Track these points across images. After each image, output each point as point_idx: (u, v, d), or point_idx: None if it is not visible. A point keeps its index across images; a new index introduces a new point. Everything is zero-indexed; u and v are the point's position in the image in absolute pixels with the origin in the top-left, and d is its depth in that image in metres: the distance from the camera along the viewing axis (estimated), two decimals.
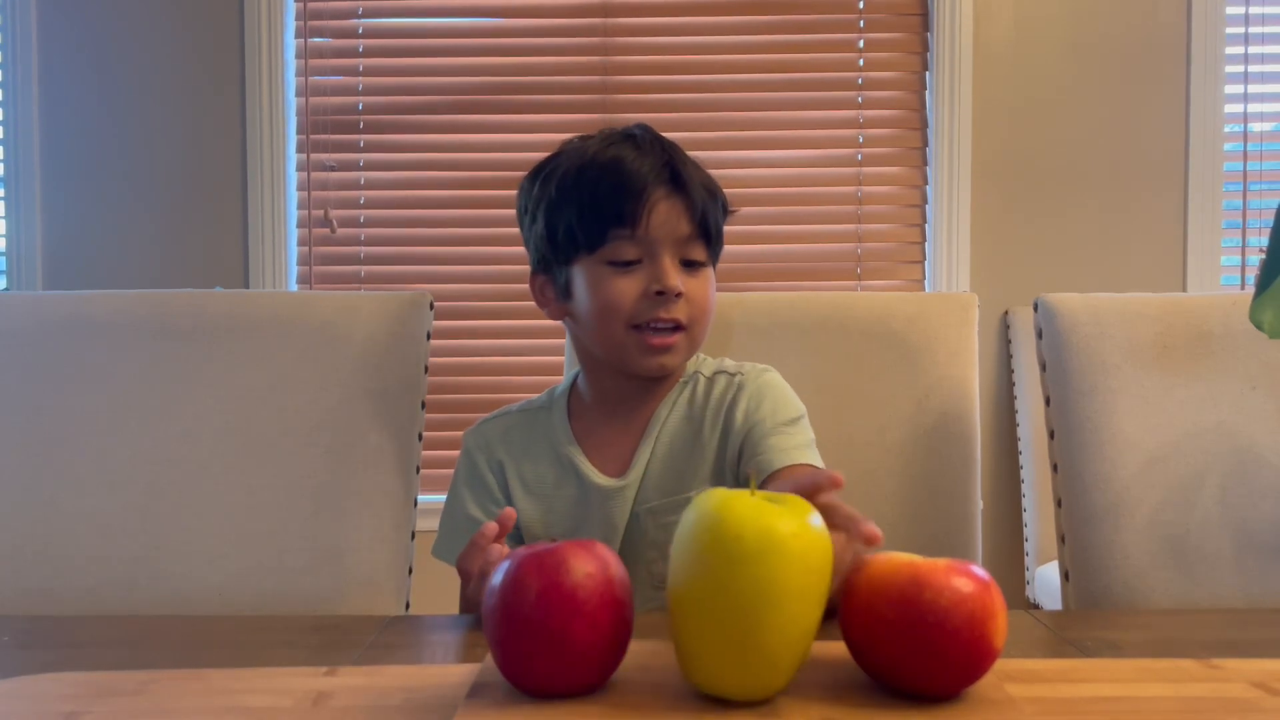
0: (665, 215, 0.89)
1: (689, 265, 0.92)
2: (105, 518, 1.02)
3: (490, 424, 1.00)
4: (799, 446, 0.91)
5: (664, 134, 0.96)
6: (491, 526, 0.75)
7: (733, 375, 0.96)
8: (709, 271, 0.94)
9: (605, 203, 0.89)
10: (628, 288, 0.90)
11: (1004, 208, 2.26)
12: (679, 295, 0.89)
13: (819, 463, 0.91)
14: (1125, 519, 1.00)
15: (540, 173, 0.96)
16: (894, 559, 0.54)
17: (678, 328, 0.90)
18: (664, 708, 0.51)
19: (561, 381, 1.02)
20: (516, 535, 0.97)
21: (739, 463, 0.93)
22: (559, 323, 0.98)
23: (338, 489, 1.03)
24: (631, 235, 0.89)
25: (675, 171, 0.90)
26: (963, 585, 0.51)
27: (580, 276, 0.92)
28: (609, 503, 0.93)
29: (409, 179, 2.31)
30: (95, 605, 0.99)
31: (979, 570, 0.53)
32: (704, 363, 1.00)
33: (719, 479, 0.93)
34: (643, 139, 0.93)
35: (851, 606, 0.53)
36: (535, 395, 1.02)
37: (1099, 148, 2.25)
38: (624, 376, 0.95)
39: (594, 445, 0.96)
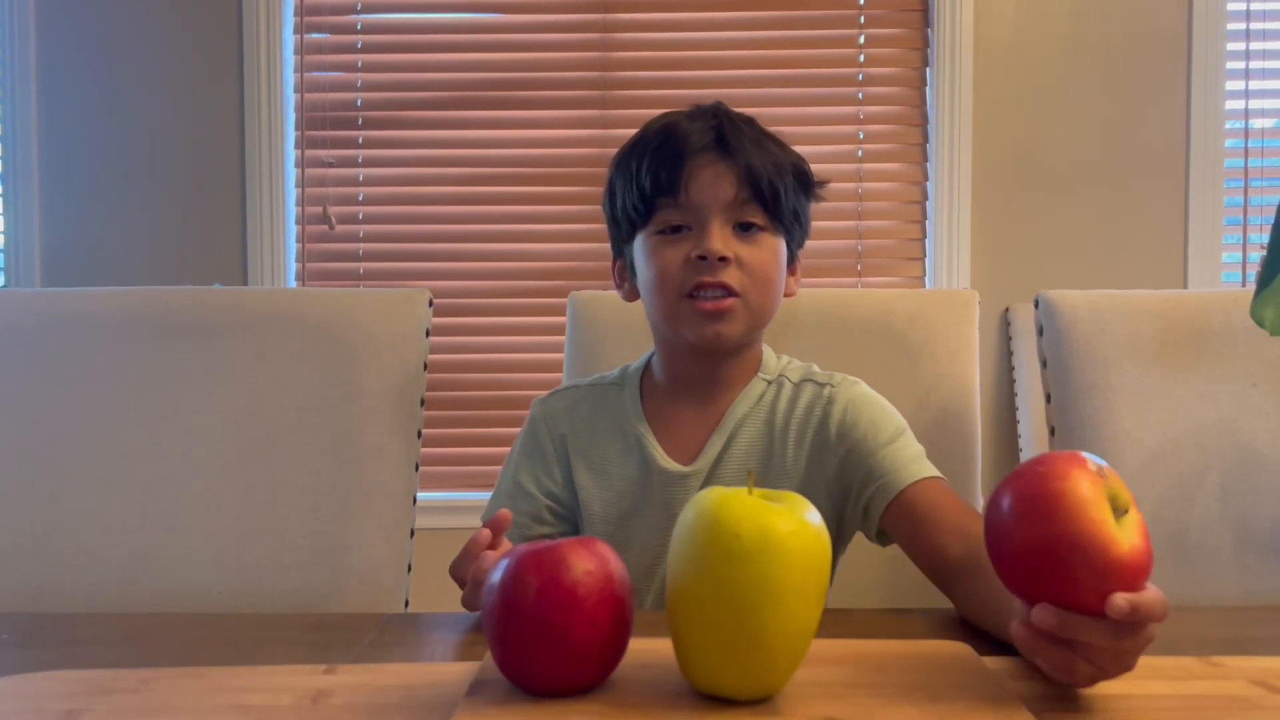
0: (709, 179, 0.87)
1: (745, 229, 0.88)
2: (104, 515, 1.01)
3: (559, 395, 0.99)
4: (913, 460, 0.88)
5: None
6: (484, 534, 0.73)
7: (821, 386, 0.93)
8: (769, 239, 0.89)
9: (650, 173, 0.88)
10: (675, 255, 0.88)
11: (1004, 204, 2.26)
12: (723, 259, 0.86)
13: (936, 474, 0.87)
14: None
15: (615, 157, 0.95)
16: (1099, 526, 0.51)
17: (730, 294, 0.87)
18: (663, 706, 0.51)
19: (637, 360, 1.00)
20: (573, 517, 0.95)
21: (849, 484, 0.90)
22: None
23: (337, 486, 1.03)
24: (675, 202, 0.88)
25: (722, 136, 0.88)
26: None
27: (640, 250, 0.91)
28: (671, 489, 0.91)
29: (407, 175, 2.31)
30: (95, 603, 0.99)
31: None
32: (790, 366, 0.97)
33: (809, 494, 0.90)
34: (698, 110, 0.91)
35: (1032, 532, 0.52)
36: (608, 371, 1.01)
37: (1100, 144, 2.25)
38: (695, 356, 0.92)
39: (664, 428, 0.94)
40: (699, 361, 0.93)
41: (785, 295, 0.94)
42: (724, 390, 0.94)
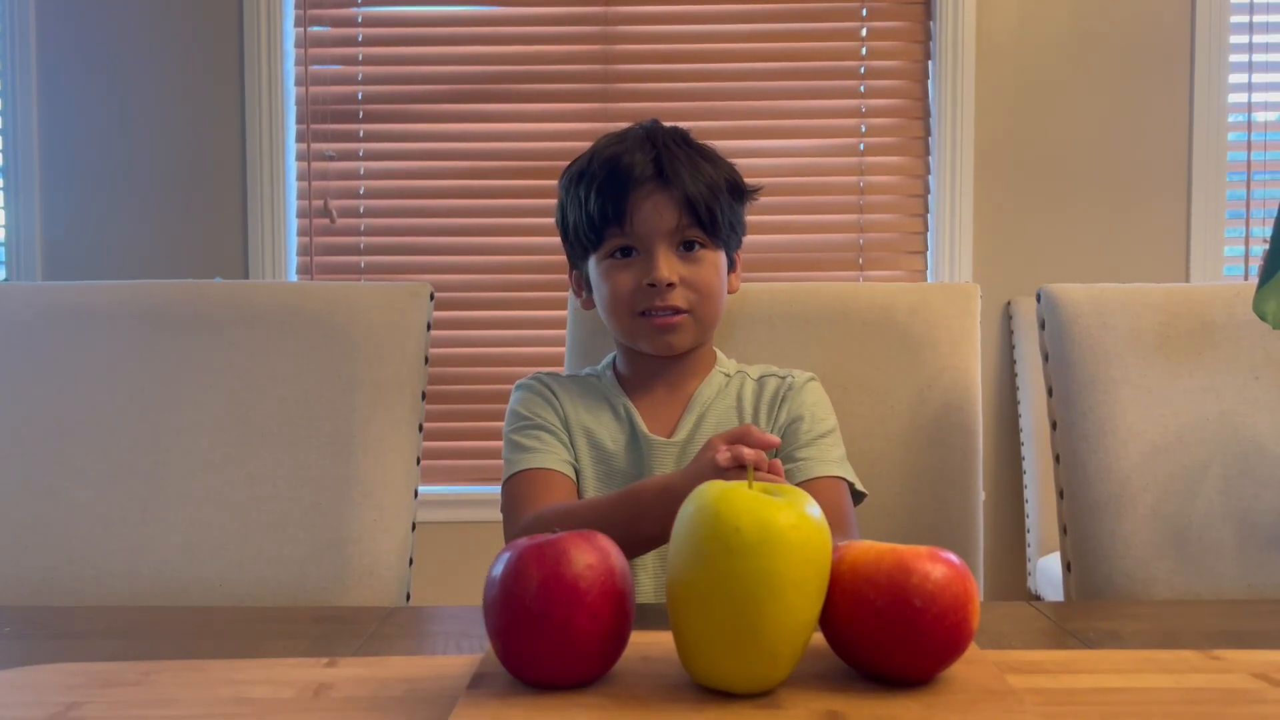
0: (651, 211, 0.94)
1: (688, 248, 0.96)
2: (105, 508, 1.01)
3: (543, 374, 1.05)
4: (837, 460, 0.97)
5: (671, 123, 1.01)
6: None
7: (783, 378, 1.02)
8: (709, 254, 0.97)
9: (598, 204, 0.95)
10: (627, 280, 0.96)
11: (1006, 198, 2.25)
12: (670, 285, 0.94)
13: (852, 477, 0.96)
14: (1127, 509, 1.00)
15: (564, 175, 1.02)
16: (874, 546, 0.54)
17: (679, 311, 0.96)
18: (664, 699, 0.51)
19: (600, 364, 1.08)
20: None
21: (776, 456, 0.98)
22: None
23: (338, 480, 1.03)
24: (622, 231, 0.95)
25: (660, 167, 0.95)
26: (944, 570, 0.52)
27: (594, 271, 0.99)
28: (653, 456, 0.98)
29: (409, 169, 2.30)
30: (96, 595, 0.99)
31: (953, 556, 0.54)
32: (745, 366, 1.05)
33: None
34: (634, 137, 0.98)
35: (835, 593, 0.53)
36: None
37: (1102, 137, 2.24)
38: (653, 357, 1.00)
39: (641, 406, 1.01)
40: (658, 359, 1.01)
41: (728, 292, 1.02)
42: (686, 378, 1.02)
